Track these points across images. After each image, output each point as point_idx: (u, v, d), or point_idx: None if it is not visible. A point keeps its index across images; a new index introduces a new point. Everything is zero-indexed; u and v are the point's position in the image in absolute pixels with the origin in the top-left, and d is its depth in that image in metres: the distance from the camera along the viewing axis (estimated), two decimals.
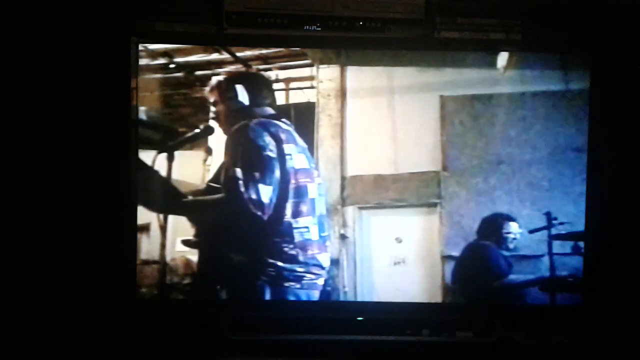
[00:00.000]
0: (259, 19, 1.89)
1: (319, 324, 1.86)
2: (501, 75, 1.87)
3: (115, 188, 1.87)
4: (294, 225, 1.83)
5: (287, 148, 1.83)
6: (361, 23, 1.91)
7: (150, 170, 1.84)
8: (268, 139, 1.81)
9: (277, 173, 1.81)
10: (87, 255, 1.91)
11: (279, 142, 1.82)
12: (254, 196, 1.80)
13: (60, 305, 1.89)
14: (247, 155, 1.81)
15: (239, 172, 1.79)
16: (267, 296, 1.83)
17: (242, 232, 1.83)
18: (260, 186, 1.80)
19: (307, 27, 1.90)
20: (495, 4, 1.89)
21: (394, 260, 1.92)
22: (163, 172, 1.85)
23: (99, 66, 1.87)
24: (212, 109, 1.86)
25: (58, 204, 1.90)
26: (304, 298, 1.85)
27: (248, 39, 1.89)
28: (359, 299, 1.91)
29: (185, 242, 1.87)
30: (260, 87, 1.87)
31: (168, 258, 1.87)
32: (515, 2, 1.89)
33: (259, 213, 1.80)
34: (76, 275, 1.91)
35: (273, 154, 1.81)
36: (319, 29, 1.91)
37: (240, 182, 1.79)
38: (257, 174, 1.80)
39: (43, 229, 1.90)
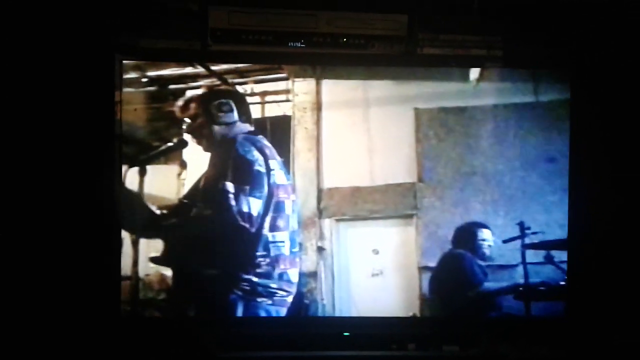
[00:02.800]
0: (244, 35, 1.88)
1: (305, 340, 1.85)
2: (473, 87, 1.91)
3: (98, 203, 1.84)
4: (271, 239, 1.82)
5: (272, 164, 1.84)
6: (345, 40, 1.91)
7: (126, 190, 1.82)
8: (257, 154, 1.82)
9: (266, 188, 1.82)
10: (66, 270, 1.86)
11: (265, 157, 1.83)
12: (244, 209, 1.80)
13: (37, 324, 1.83)
14: (238, 170, 1.81)
15: (229, 185, 1.79)
16: (240, 311, 1.82)
17: (223, 245, 1.82)
18: (251, 199, 1.80)
19: (292, 43, 1.90)
20: (476, 21, 1.93)
21: (371, 271, 1.92)
22: (135, 187, 1.82)
23: (82, 81, 1.84)
24: (189, 122, 1.85)
25: (40, 216, 1.85)
26: (273, 314, 1.84)
27: (232, 55, 1.88)
28: (337, 310, 1.90)
29: (154, 260, 1.84)
30: (243, 103, 1.87)
31: (141, 274, 1.83)
32: (496, 19, 1.93)
33: (247, 225, 1.80)
34: (55, 291, 1.85)
35: (262, 169, 1.82)
36: (303, 45, 1.90)
37: (231, 195, 1.79)
38: (247, 188, 1.80)
39: (24, 241, 1.85)
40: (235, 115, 1.85)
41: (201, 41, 1.88)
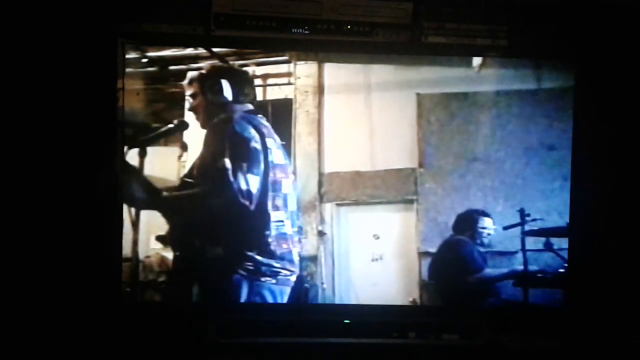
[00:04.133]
0: (247, 21, 1.87)
1: (306, 327, 1.85)
2: (476, 74, 1.91)
3: (100, 186, 1.83)
4: (271, 218, 1.83)
5: (269, 142, 1.84)
6: (349, 27, 1.90)
7: (128, 166, 1.82)
8: (253, 132, 1.82)
9: (262, 165, 1.82)
10: (69, 254, 1.86)
11: (262, 136, 1.83)
12: (243, 186, 1.80)
13: (37, 307, 1.83)
14: (235, 147, 1.81)
15: (227, 162, 1.79)
16: (244, 291, 1.82)
17: (224, 224, 1.81)
18: (249, 176, 1.80)
19: (295, 30, 1.89)
20: (481, 10, 1.92)
21: (371, 256, 1.92)
22: (136, 167, 1.82)
23: (85, 66, 1.83)
24: (190, 101, 1.85)
25: (42, 202, 1.85)
26: (277, 294, 1.85)
27: (235, 41, 1.87)
28: (337, 295, 1.90)
29: (160, 238, 1.84)
30: (242, 83, 1.86)
31: (141, 256, 1.83)
32: (501, 8, 1.93)
33: (247, 203, 1.80)
34: (57, 275, 1.85)
35: (259, 146, 1.82)
36: (307, 32, 1.90)
37: (229, 172, 1.79)
38: (245, 165, 1.80)
39: (25, 226, 1.84)
40: (228, 95, 1.84)
41: (204, 26, 1.87)
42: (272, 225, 1.82)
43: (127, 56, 1.81)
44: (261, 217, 1.82)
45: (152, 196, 1.82)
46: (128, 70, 1.82)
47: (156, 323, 1.84)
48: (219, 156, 1.79)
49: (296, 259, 1.87)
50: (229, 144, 1.80)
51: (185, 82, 1.84)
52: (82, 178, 1.85)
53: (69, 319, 1.83)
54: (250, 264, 1.81)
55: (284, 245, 1.84)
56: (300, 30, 1.90)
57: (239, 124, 1.82)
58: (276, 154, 1.84)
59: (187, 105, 1.85)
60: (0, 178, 1.83)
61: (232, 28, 1.88)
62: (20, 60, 1.83)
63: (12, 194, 1.84)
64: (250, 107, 1.86)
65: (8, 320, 1.79)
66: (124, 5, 1.85)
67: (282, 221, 1.84)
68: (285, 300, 1.86)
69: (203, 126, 1.85)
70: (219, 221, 1.82)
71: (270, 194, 1.82)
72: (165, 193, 1.83)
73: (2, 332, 1.77)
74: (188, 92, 1.84)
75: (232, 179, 1.79)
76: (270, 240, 1.82)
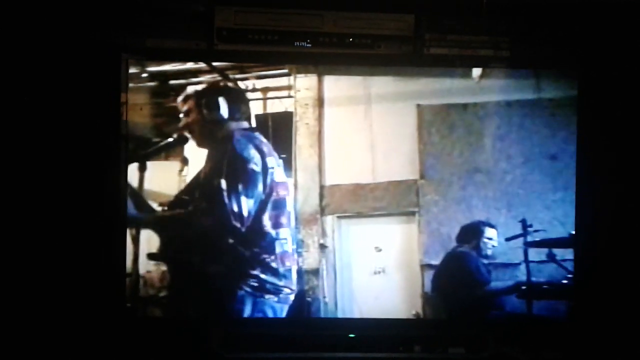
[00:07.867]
0: (250, 35, 1.89)
1: (311, 341, 1.84)
2: (476, 84, 1.90)
3: (102, 200, 1.84)
4: (275, 236, 1.82)
5: (270, 161, 1.83)
6: (351, 40, 1.91)
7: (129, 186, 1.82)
8: (253, 152, 1.81)
9: (260, 186, 1.81)
10: (72, 269, 1.86)
11: (262, 155, 1.82)
12: (235, 208, 1.79)
13: (39, 320, 1.83)
14: (233, 168, 1.80)
15: (223, 183, 1.78)
16: (248, 308, 1.81)
17: (221, 243, 1.81)
18: (242, 199, 1.79)
19: (298, 43, 1.90)
20: (483, 22, 1.93)
21: (373, 269, 1.90)
22: (135, 183, 1.82)
23: (88, 81, 1.84)
24: (184, 118, 1.84)
25: (45, 216, 1.86)
26: (278, 311, 1.84)
27: (238, 55, 1.88)
28: (339, 308, 1.89)
29: (151, 256, 1.83)
30: (237, 100, 1.86)
31: (142, 271, 1.82)
32: (503, 19, 1.93)
33: (238, 225, 1.79)
34: (58, 288, 1.85)
35: (258, 168, 1.81)
36: (310, 45, 1.90)
37: (225, 193, 1.78)
38: (240, 186, 1.79)
39: (29, 238, 1.84)
40: (224, 112, 1.84)
41: (207, 41, 1.88)
42: (277, 243, 1.82)
43: (130, 71, 1.82)
44: (261, 236, 1.81)
45: (148, 215, 1.81)
46: (130, 85, 1.82)
47: (160, 337, 1.83)
48: (216, 175, 1.79)
49: (294, 277, 1.86)
50: (227, 164, 1.79)
51: (179, 100, 1.84)
52: (85, 192, 1.85)
53: (73, 334, 1.82)
54: (253, 280, 1.81)
55: (287, 263, 1.83)
56: (303, 44, 1.91)
57: (239, 143, 1.81)
58: (278, 172, 1.84)
59: (181, 123, 1.84)
60: (4, 191, 1.83)
61: (234, 42, 1.89)
62: (23, 75, 1.84)
63: (14, 205, 1.84)
64: (246, 124, 1.86)
65: (11, 334, 1.79)
66: (127, 21, 1.87)
67: (285, 239, 1.83)
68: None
69: (199, 145, 1.84)
70: (219, 240, 1.81)
71: (272, 212, 1.81)
72: (159, 212, 1.82)
73: (6, 346, 1.77)
74: (183, 109, 1.84)
75: (226, 200, 1.78)
76: (273, 258, 1.81)
